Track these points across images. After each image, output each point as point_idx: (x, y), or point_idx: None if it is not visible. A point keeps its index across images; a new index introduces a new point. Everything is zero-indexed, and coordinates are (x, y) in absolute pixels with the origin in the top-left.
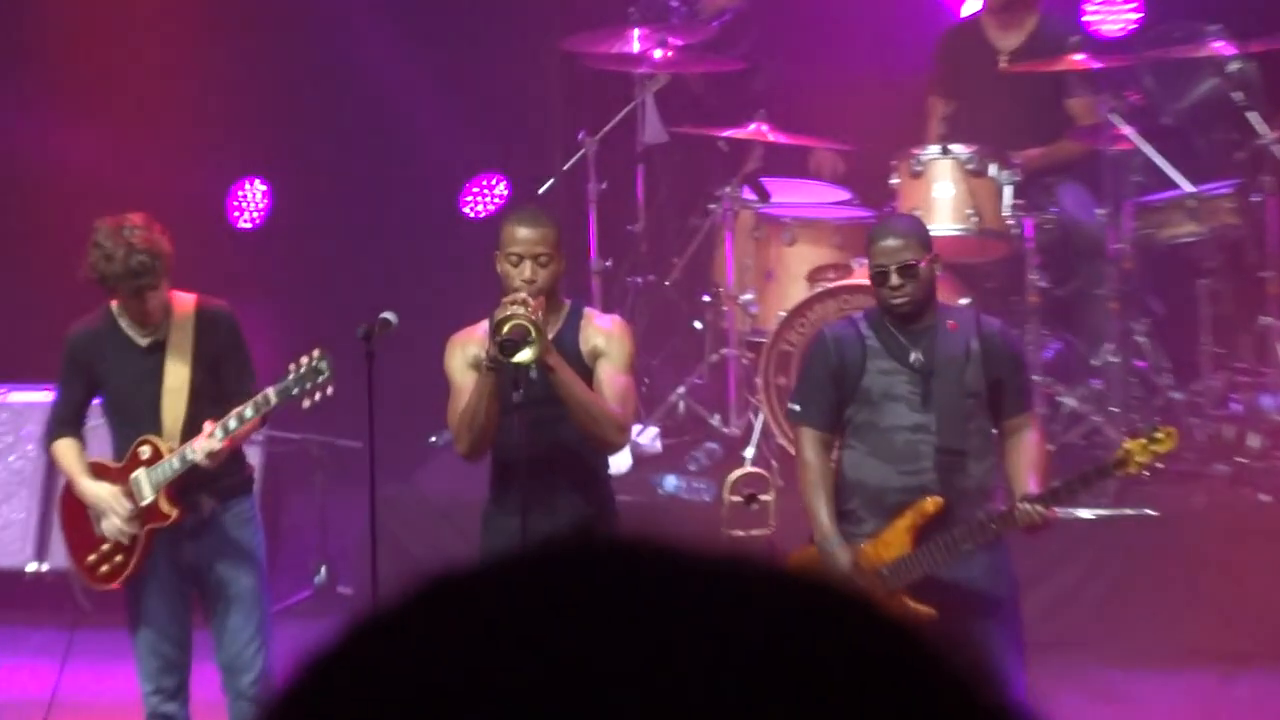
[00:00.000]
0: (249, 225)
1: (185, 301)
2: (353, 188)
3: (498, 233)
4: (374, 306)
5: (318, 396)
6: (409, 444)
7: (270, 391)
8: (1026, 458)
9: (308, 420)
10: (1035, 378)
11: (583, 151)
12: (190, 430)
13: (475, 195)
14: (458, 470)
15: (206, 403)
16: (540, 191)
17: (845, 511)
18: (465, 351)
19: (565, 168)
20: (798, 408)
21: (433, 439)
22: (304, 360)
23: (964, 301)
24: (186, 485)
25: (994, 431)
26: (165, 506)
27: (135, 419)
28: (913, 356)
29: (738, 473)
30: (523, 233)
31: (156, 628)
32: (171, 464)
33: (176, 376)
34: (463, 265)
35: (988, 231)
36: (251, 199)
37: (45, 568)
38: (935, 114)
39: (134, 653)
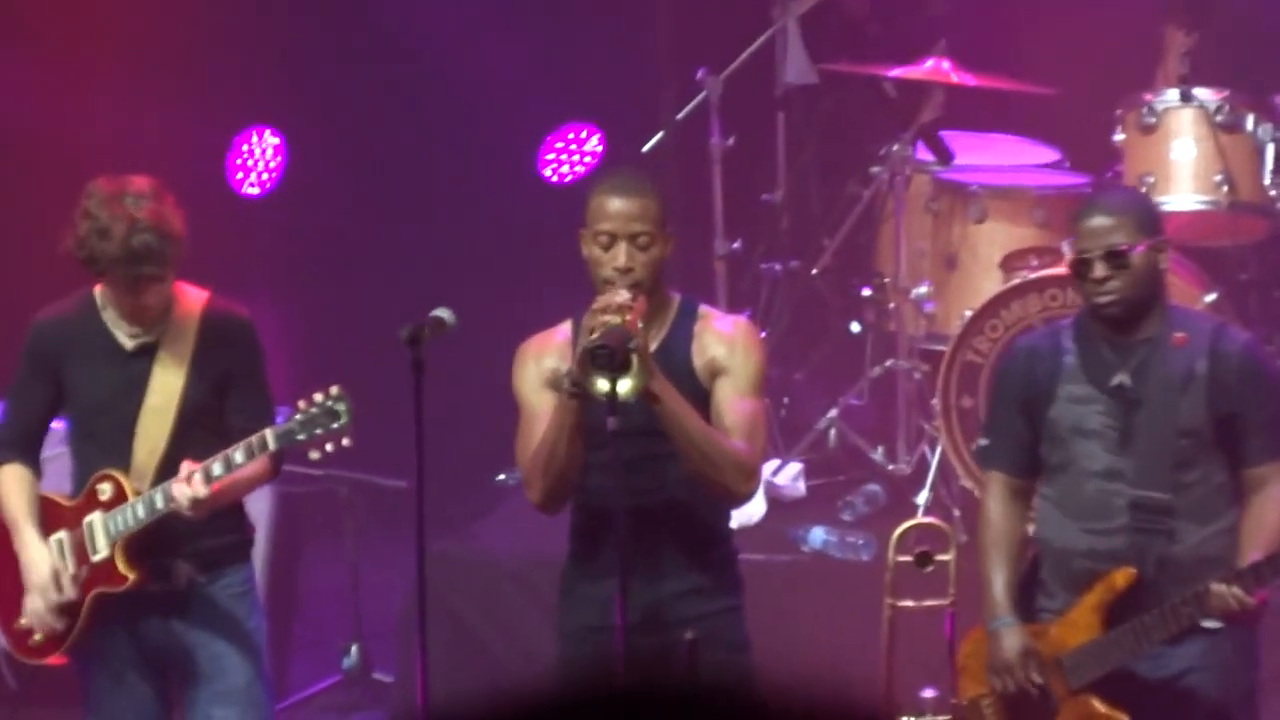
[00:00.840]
0: (256, 190)
1: (192, 299)
2: (393, 143)
3: (584, 205)
4: (423, 301)
5: (329, 447)
6: (469, 484)
7: (269, 434)
8: (1262, 522)
9: (339, 453)
10: None
11: (703, 95)
12: (168, 470)
13: (559, 153)
14: (531, 520)
15: (197, 434)
16: (645, 149)
17: (1040, 581)
18: (540, 365)
19: (679, 117)
20: (986, 443)
21: (500, 478)
22: (317, 399)
23: (1209, 299)
24: (156, 544)
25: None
26: (122, 566)
27: (103, 443)
28: (1116, 379)
29: (907, 524)
30: (616, 205)
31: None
32: (135, 510)
33: (163, 392)
34: (542, 246)
35: (1242, 205)
36: (260, 156)
37: None
38: (1173, 49)
39: None
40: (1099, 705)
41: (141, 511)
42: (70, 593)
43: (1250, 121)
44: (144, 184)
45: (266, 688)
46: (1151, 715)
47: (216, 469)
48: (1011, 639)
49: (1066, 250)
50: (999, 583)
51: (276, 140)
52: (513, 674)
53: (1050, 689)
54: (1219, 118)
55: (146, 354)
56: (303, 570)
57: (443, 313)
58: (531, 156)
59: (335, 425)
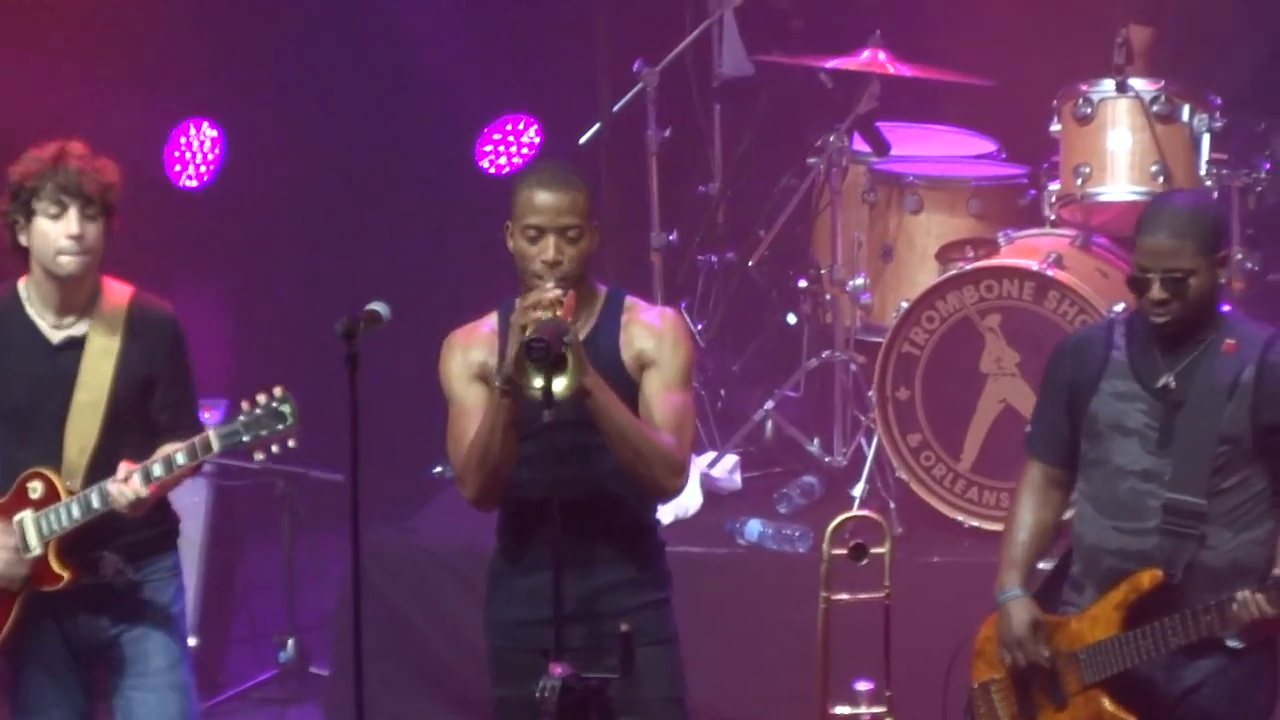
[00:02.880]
0: (193, 183)
1: (118, 292)
2: (331, 134)
3: (510, 196)
4: (359, 294)
5: (274, 449)
6: (404, 477)
7: (212, 435)
8: None
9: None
10: None
11: (639, 87)
12: (99, 467)
13: (496, 144)
14: (467, 513)
15: (126, 432)
16: (582, 141)
17: (1071, 575)
18: (468, 357)
19: (616, 109)
20: (1030, 430)
21: (437, 470)
22: (260, 400)
23: None
24: (84, 539)
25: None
26: (55, 565)
27: (28, 438)
28: (1162, 379)
29: (842, 517)
30: (543, 198)
31: (34, 710)
32: (69, 510)
33: (93, 388)
34: (478, 238)
35: None
36: (198, 148)
37: None
38: (1133, 46)
39: None
40: (1108, 704)
41: (76, 512)
42: (9, 553)
43: (1186, 112)
44: (79, 144)
45: (188, 671)
46: None
47: (157, 470)
48: (1020, 612)
49: (1004, 241)
50: (1013, 558)
51: (214, 132)
52: (448, 667)
53: (1062, 681)
54: (1155, 108)
55: (72, 347)
56: (239, 564)
57: (378, 306)
58: (469, 147)
59: (281, 427)
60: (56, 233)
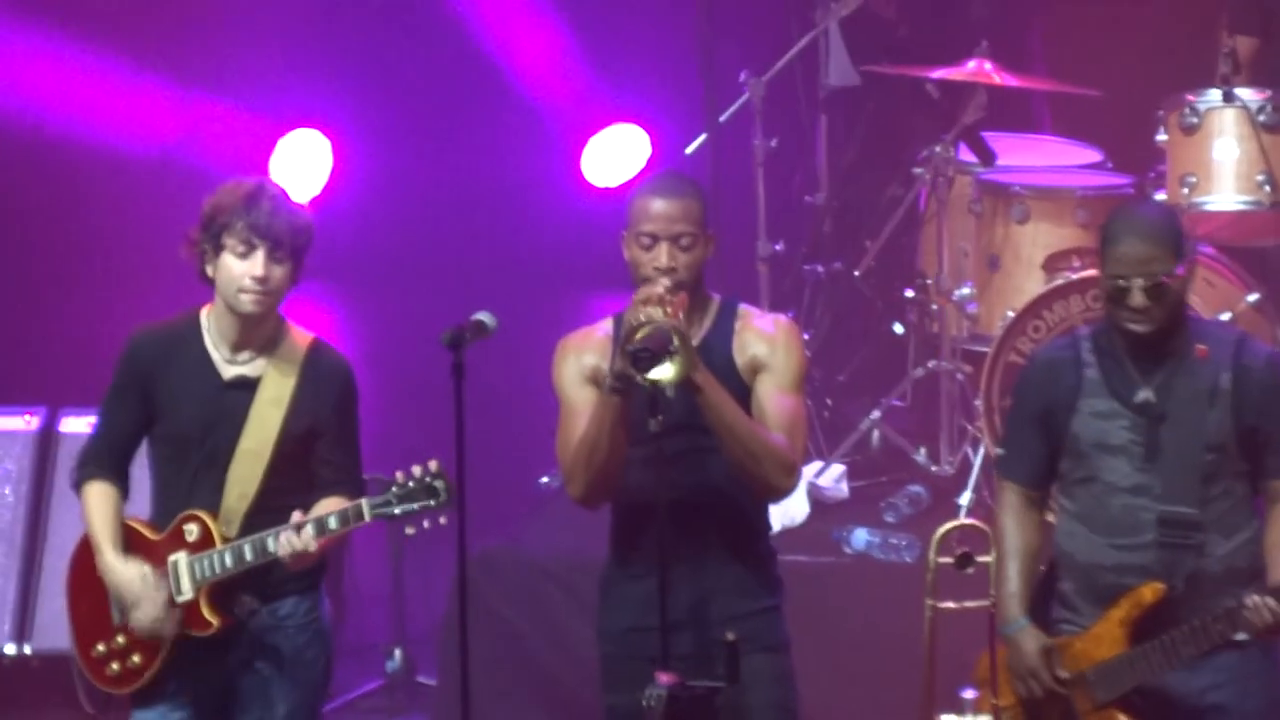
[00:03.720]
0: (303, 195)
1: (298, 337)
2: (439, 146)
3: (627, 206)
4: (465, 303)
5: (425, 524)
6: (511, 486)
7: (365, 505)
8: None
9: (376, 454)
10: None
11: (745, 97)
12: (256, 516)
13: (603, 155)
14: (575, 521)
15: (287, 480)
16: (688, 151)
17: (1060, 594)
18: (581, 361)
19: (722, 119)
20: (1001, 453)
21: (544, 480)
22: (415, 472)
23: (1252, 299)
24: (230, 585)
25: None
26: (206, 612)
27: (189, 478)
28: (1140, 394)
29: (948, 525)
30: (658, 206)
31: None
32: (223, 558)
33: (260, 437)
34: (585, 248)
35: None
36: (306, 160)
37: (29, 650)
38: (1238, 56)
39: None
40: None
41: (230, 561)
42: (163, 595)
43: None
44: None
45: (314, 717)
46: None
47: (310, 530)
48: (1030, 641)
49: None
50: (1012, 589)
51: (324, 144)
52: (555, 677)
53: (1074, 704)
54: (1261, 118)
55: (243, 387)
56: (346, 574)
57: (484, 316)
58: (576, 158)
59: (432, 503)
60: (241, 271)
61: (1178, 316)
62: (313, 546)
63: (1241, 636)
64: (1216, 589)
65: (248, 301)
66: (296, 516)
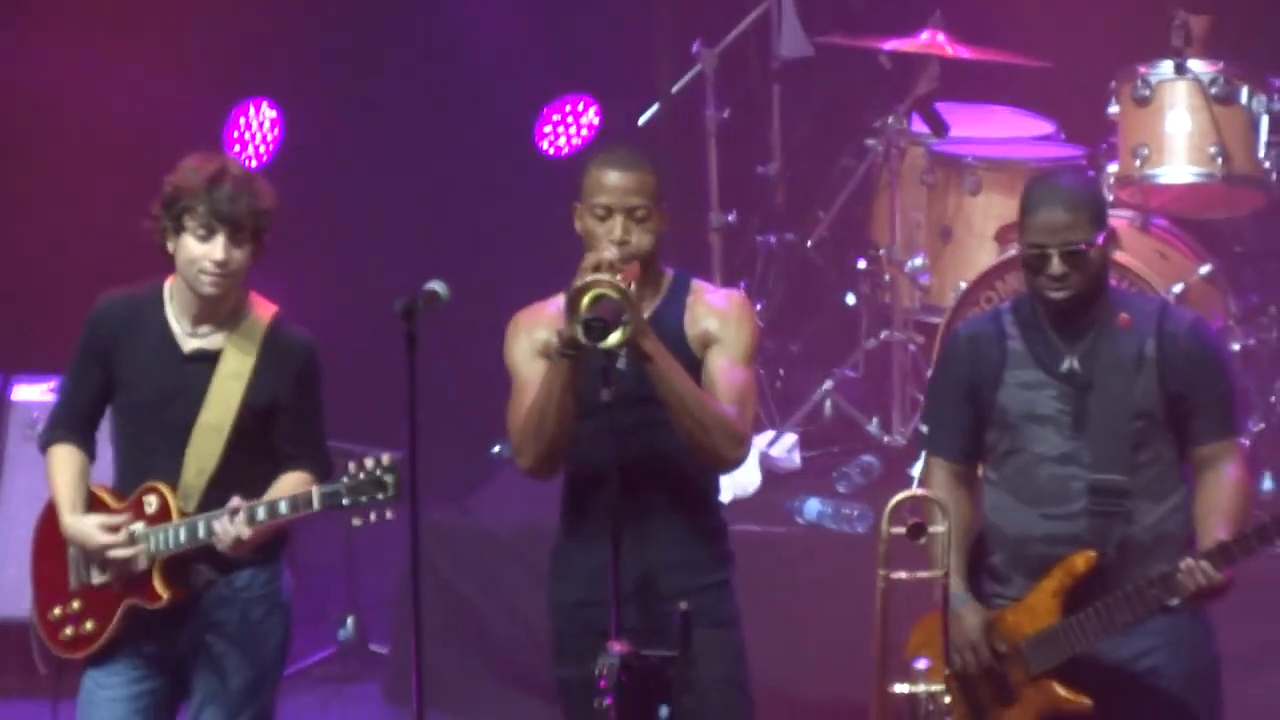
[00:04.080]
0: (253, 163)
1: (260, 312)
2: (389, 115)
3: (579, 178)
4: (417, 273)
5: (372, 517)
6: (463, 456)
7: (315, 493)
8: (1217, 501)
9: (332, 424)
10: None
11: (698, 68)
12: (216, 490)
13: (555, 126)
14: (526, 492)
15: (247, 455)
16: (641, 122)
17: (990, 566)
18: (533, 336)
19: (675, 90)
20: (925, 430)
21: (495, 450)
22: (367, 464)
23: (1205, 270)
24: (189, 555)
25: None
26: (158, 584)
27: (149, 449)
28: (1065, 364)
29: (901, 496)
30: (613, 178)
31: None
32: (178, 533)
33: (219, 411)
34: (537, 218)
35: (1237, 177)
36: (257, 129)
37: None
38: (1190, 30)
39: None
40: (1062, 690)
41: (184, 536)
42: (124, 534)
43: (1244, 94)
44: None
45: (269, 695)
46: (1116, 694)
47: (261, 514)
48: (971, 615)
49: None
50: (952, 564)
51: (274, 113)
52: (508, 645)
53: (1009, 676)
54: (1214, 90)
55: (203, 360)
56: (298, 542)
57: (437, 285)
58: (528, 128)
59: (380, 496)
60: (201, 254)
61: (1098, 285)
62: (246, 534)
63: (1174, 601)
64: (1147, 556)
65: (207, 283)
66: (235, 502)
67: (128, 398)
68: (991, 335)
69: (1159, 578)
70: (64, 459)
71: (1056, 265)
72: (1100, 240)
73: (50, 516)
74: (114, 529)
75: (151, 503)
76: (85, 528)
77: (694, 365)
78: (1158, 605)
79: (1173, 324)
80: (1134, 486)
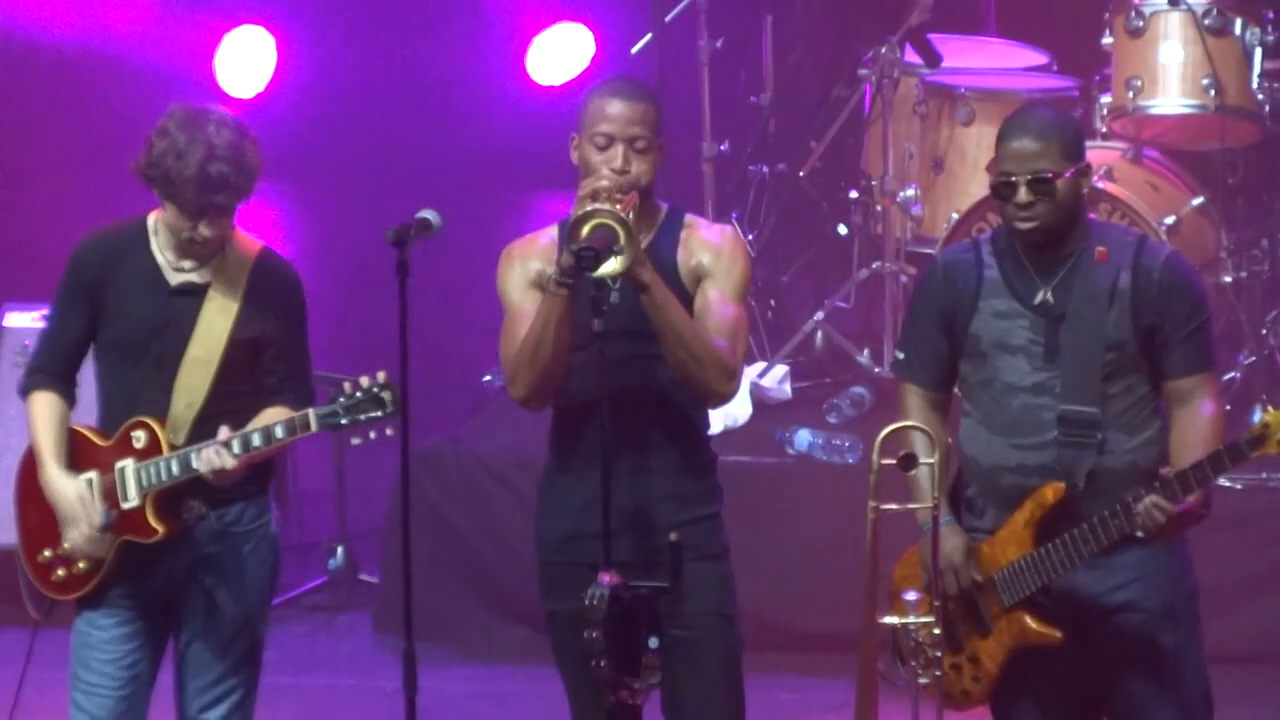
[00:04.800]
0: (246, 92)
1: (245, 246)
2: (383, 43)
3: (579, 108)
4: (409, 202)
5: (371, 435)
6: (454, 386)
7: (311, 415)
8: (1188, 435)
9: (321, 352)
10: None
11: None
12: (205, 424)
13: (548, 54)
14: (518, 420)
15: (235, 390)
16: (634, 51)
17: (967, 499)
18: (526, 267)
19: (668, 19)
20: (901, 357)
21: (487, 378)
22: (363, 383)
23: (1196, 202)
24: (177, 490)
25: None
26: (152, 519)
27: (136, 384)
28: (1040, 295)
29: (892, 427)
30: (615, 107)
31: (96, 674)
32: (169, 466)
33: (207, 345)
34: (529, 147)
35: (1230, 109)
36: (251, 57)
37: None
38: None
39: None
40: (1032, 622)
41: (175, 468)
42: (99, 519)
43: (1238, 25)
44: (226, 114)
45: (258, 631)
46: (1093, 627)
47: (256, 440)
48: (953, 538)
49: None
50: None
51: (269, 40)
52: (498, 574)
53: (983, 608)
54: (1207, 21)
55: (190, 294)
56: (289, 473)
57: (429, 214)
58: (521, 56)
59: (379, 414)
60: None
61: (1068, 217)
62: (230, 463)
63: (1139, 533)
64: (1119, 487)
65: (191, 252)
66: (224, 432)
67: (114, 332)
68: (968, 264)
69: (1120, 508)
70: (45, 406)
71: (1023, 194)
72: (1070, 173)
73: (31, 463)
74: (88, 507)
75: (140, 437)
76: (61, 493)
77: (687, 298)
78: (1119, 535)
79: (1148, 257)
80: (1105, 418)
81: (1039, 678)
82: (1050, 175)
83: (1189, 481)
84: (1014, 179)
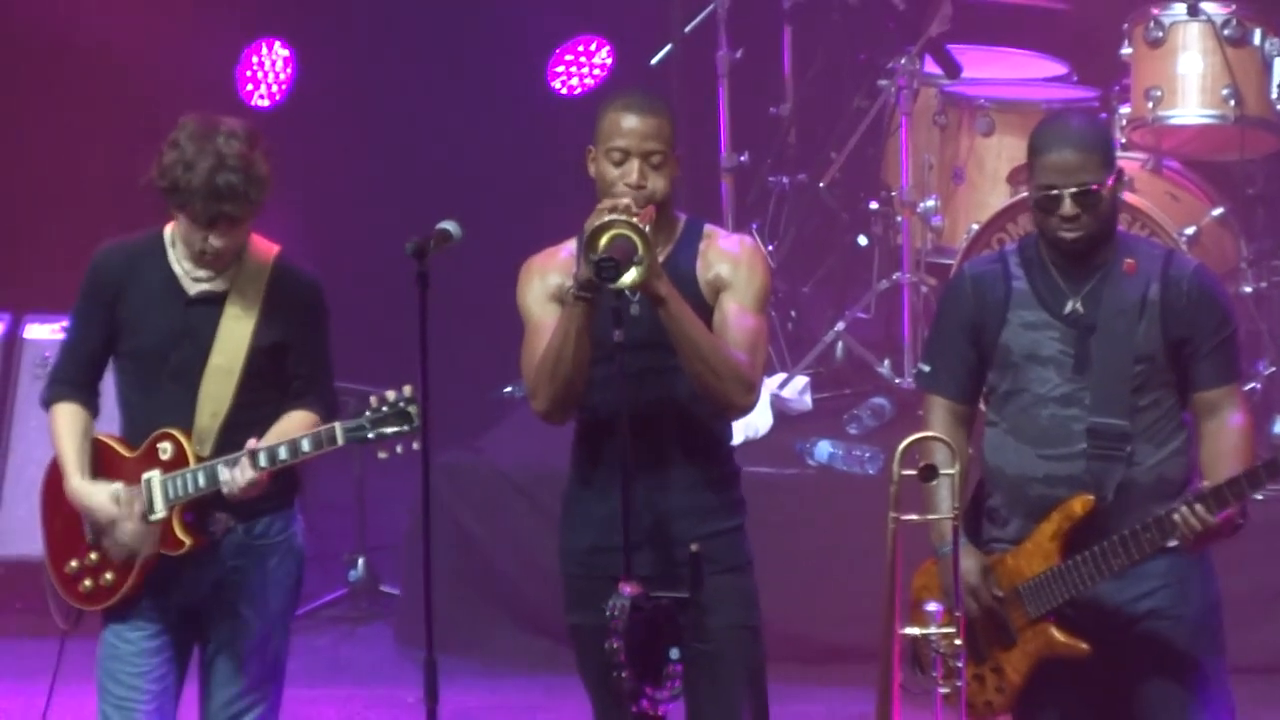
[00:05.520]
0: (265, 103)
1: (263, 251)
2: (403, 55)
3: (595, 121)
4: (429, 214)
5: (398, 450)
6: (475, 398)
7: (338, 428)
8: (1223, 447)
9: (340, 364)
10: None
11: (711, 8)
12: (231, 433)
13: (568, 66)
14: (537, 433)
15: (259, 398)
16: (654, 62)
17: (990, 510)
18: (546, 281)
19: (687, 30)
20: (927, 369)
21: (507, 390)
22: (389, 397)
23: (1216, 213)
24: (205, 502)
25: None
26: (179, 531)
27: (157, 396)
28: (1069, 306)
29: (913, 438)
30: (630, 122)
31: (124, 688)
32: (196, 478)
33: (229, 353)
34: (549, 158)
35: (1250, 119)
36: (270, 68)
37: None
38: None
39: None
40: (1058, 634)
41: (202, 480)
42: (140, 508)
43: (1258, 36)
44: (237, 125)
45: (281, 645)
46: (1117, 636)
47: (283, 454)
48: (967, 560)
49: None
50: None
51: (286, 53)
52: (519, 587)
53: (1009, 619)
54: (1226, 32)
55: (209, 303)
56: (309, 483)
57: (449, 225)
58: (541, 69)
59: (406, 429)
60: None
61: (1109, 227)
62: (252, 478)
63: (1172, 543)
64: (1146, 500)
65: (205, 263)
66: (251, 444)
67: (134, 344)
68: (996, 275)
69: (1154, 521)
70: (68, 418)
71: (1069, 206)
72: (1110, 182)
73: (56, 474)
74: (127, 503)
75: (166, 449)
76: (97, 499)
77: (706, 310)
78: (1153, 549)
79: (1177, 269)
80: (1134, 430)
81: (1062, 687)
82: (1095, 187)
83: (1225, 496)
84: (1059, 192)
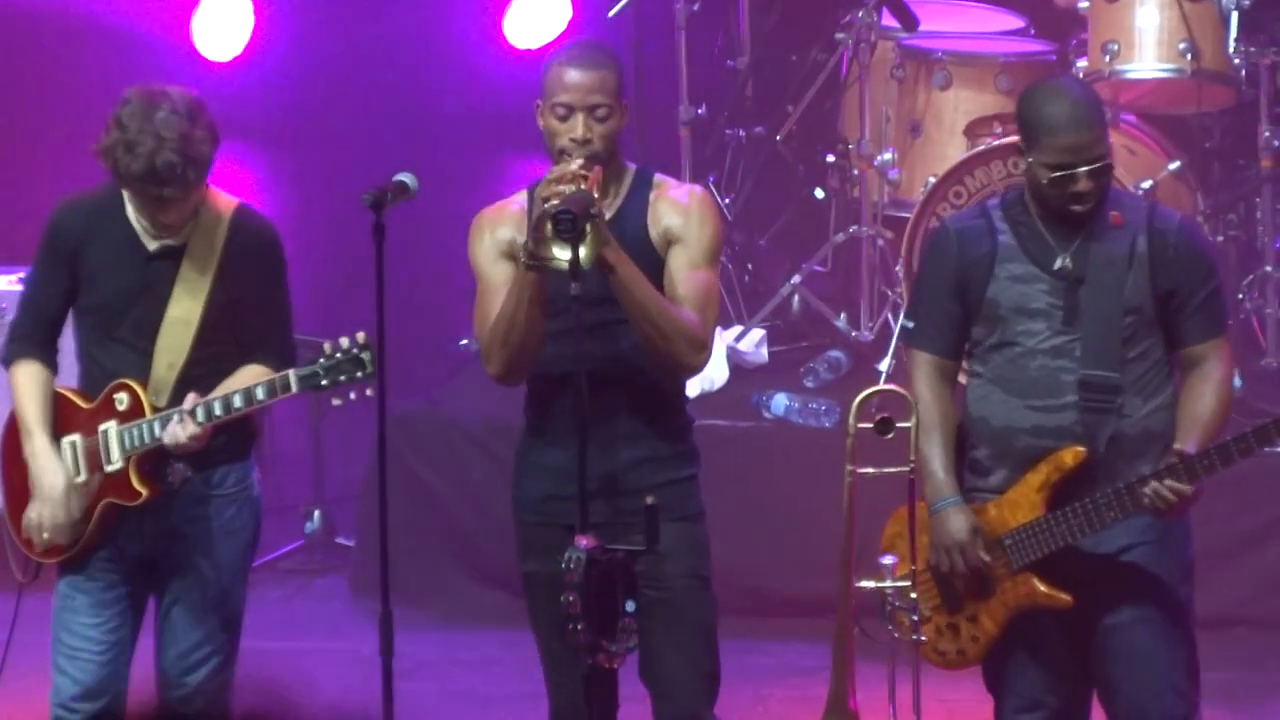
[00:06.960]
0: (223, 56)
1: (221, 204)
2: (361, 7)
3: (541, 76)
4: (386, 166)
5: (352, 396)
6: (431, 349)
7: (292, 377)
8: (1197, 403)
9: (298, 315)
10: (1270, 269)
11: None
12: (188, 385)
13: (525, 17)
14: (495, 387)
15: (216, 347)
16: (611, 14)
17: (972, 460)
18: (496, 235)
19: None
20: (911, 325)
21: (463, 342)
22: (343, 343)
23: (1173, 167)
24: (161, 452)
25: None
26: (135, 482)
27: (116, 348)
28: (1058, 260)
29: (869, 391)
30: (573, 76)
31: (78, 638)
32: (151, 429)
33: (186, 305)
34: (506, 111)
35: (1206, 73)
36: (227, 20)
37: None
38: None
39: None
40: (1041, 585)
41: (159, 430)
42: (76, 512)
43: None
44: (180, 101)
45: (237, 596)
46: (1095, 590)
47: (237, 401)
48: (960, 518)
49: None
50: (937, 461)
51: (245, 4)
52: (474, 538)
53: (990, 569)
54: None
55: (169, 257)
56: (265, 435)
57: (406, 178)
58: (498, 20)
59: (359, 375)
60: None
61: (1109, 188)
62: (194, 431)
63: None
64: (1134, 452)
65: (154, 233)
66: (191, 399)
67: (94, 299)
68: (981, 229)
69: (1125, 488)
70: (29, 376)
71: (1085, 184)
72: (1110, 150)
73: (14, 429)
74: (68, 498)
75: (123, 400)
76: (48, 479)
77: (656, 263)
78: (1141, 507)
79: (1161, 221)
80: (1124, 382)
81: (1034, 636)
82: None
83: (1195, 469)
84: (1076, 171)
